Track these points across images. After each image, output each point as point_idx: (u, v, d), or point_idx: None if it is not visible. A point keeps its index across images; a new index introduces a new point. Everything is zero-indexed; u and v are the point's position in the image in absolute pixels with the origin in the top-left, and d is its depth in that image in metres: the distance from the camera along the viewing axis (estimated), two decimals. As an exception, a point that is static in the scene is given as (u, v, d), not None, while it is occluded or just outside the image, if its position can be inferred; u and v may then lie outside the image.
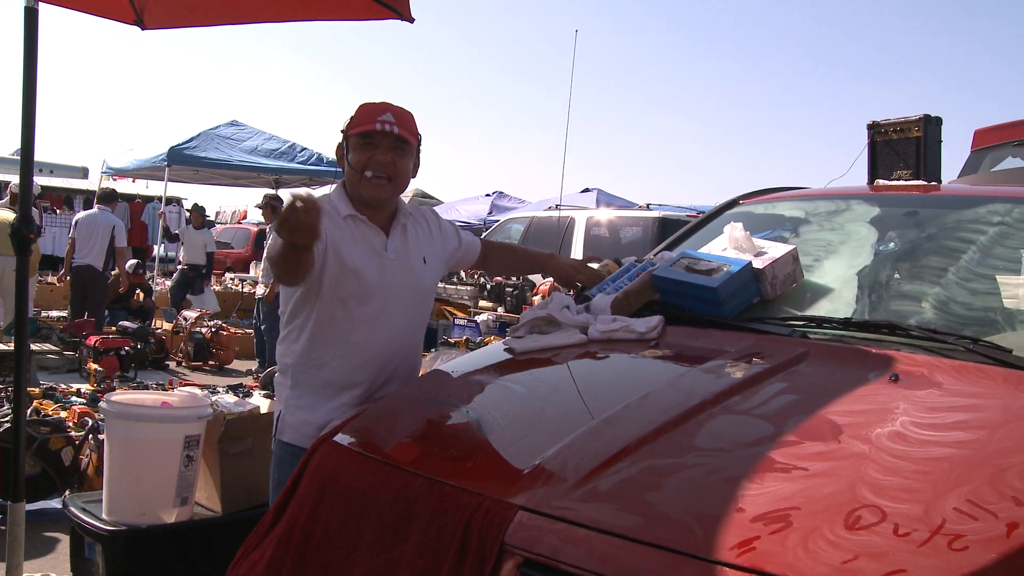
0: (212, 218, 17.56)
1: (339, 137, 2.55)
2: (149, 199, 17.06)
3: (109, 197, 10.44)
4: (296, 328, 2.51)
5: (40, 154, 11.81)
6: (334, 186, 2.60)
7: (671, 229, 10.26)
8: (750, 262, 2.61)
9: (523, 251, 3.15)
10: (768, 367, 2.10)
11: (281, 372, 2.57)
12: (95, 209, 10.09)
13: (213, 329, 9.95)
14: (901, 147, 3.71)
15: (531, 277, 11.00)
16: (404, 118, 2.48)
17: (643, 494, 1.60)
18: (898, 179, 3.58)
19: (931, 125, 3.66)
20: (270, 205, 10.34)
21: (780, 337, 2.35)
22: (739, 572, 1.34)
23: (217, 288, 13.34)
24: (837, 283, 2.63)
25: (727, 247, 2.79)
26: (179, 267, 12.08)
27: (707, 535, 1.42)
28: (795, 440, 1.72)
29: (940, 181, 3.62)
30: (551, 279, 10.14)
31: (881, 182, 3.52)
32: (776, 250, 2.66)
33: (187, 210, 12.36)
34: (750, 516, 1.45)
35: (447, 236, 2.74)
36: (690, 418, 1.83)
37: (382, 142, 2.45)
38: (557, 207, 11.71)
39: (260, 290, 8.85)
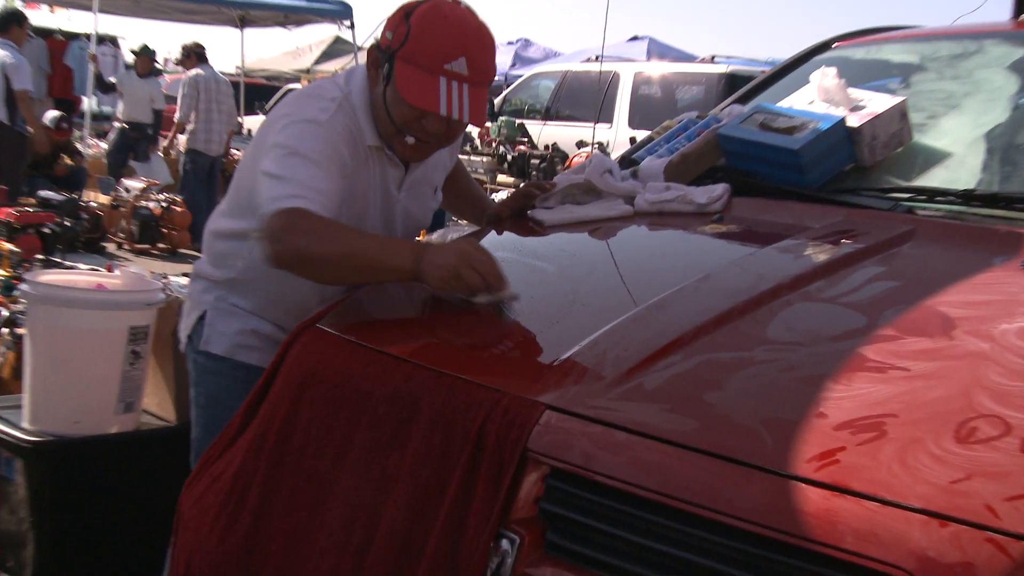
0: (161, 65, 17.42)
1: (374, 31, 2.44)
2: (74, 36, 16.84)
3: (6, 21, 9.41)
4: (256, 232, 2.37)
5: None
6: (353, 74, 2.41)
7: (742, 87, 10.04)
8: (843, 118, 2.60)
9: (474, 191, 2.96)
10: (862, 247, 2.11)
11: (214, 264, 2.52)
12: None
13: (163, 204, 9.98)
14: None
15: (567, 147, 10.95)
16: (481, 65, 2.23)
17: (699, 393, 1.62)
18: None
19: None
20: (194, 54, 10.32)
21: (878, 212, 2.35)
22: (818, 489, 1.35)
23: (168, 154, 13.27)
24: (958, 146, 2.61)
25: (815, 100, 2.76)
26: (118, 126, 12.03)
27: (778, 444, 1.44)
28: (894, 335, 1.73)
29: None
30: (587, 148, 10.12)
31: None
32: (878, 103, 2.63)
33: (132, 51, 12.19)
34: (833, 423, 1.46)
35: (453, 149, 2.66)
36: (760, 305, 1.85)
37: None
38: (597, 59, 11.55)
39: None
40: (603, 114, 11.35)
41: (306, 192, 2.11)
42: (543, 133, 12.40)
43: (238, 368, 2.46)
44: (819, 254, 2.14)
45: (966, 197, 2.35)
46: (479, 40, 2.24)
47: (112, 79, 13.02)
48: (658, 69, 12.24)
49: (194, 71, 10.39)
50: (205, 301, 2.53)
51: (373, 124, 2.34)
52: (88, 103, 14.28)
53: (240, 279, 2.47)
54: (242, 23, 16.03)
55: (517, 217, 2.70)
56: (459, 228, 3.70)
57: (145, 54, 12.10)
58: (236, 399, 2.18)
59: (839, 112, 2.64)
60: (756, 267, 2.08)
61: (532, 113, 13.69)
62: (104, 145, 12.41)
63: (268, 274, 2.32)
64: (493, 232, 2.63)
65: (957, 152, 2.59)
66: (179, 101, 10.43)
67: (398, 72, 2.22)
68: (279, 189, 2.12)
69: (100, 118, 15.82)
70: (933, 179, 2.53)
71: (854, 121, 2.60)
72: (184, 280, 4.68)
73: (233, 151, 11.46)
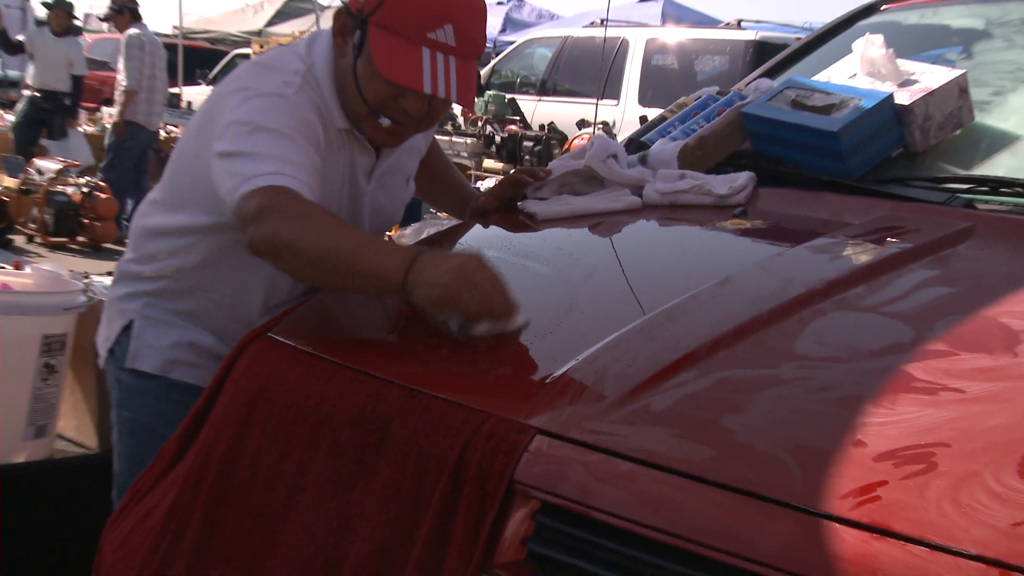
0: (81, 22, 17.35)
1: None
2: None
3: None
4: (199, 229, 2.39)
5: None
6: (315, 41, 2.41)
7: (773, 57, 10.01)
8: (891, 95, 2.61)
9: (453, 177, 2.97)
10: (910, 248, 2.13)
11: (143, 263, 2.49)
12: None
13: (84, 190, 9.95)
14: None
15: (566, 127, 10.96)
16: (470, 34, 2.24)
17: (717, 417, 1.64)
18: None
19: None
20: (128, 9, 10.28)
21: (931, 206, 2.37)
22: (855, 530, 1.36)
23: (89, 129, 13.23)
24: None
25: (857, 73, 2.78)
26: (27, 94, 11.96)
27: (808, 477, 1.45)
28: (946, 350, 1.75)
29: None
30: (589, 129, 10.12)
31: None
32: (933, 77, 2.65)
33: (44, 3, 12.12)
34: (874, 453, 1.48)
35: (428, 136, 2.71)
36: (789, 314, 1.87)
37: None
38: (602, 23, 11.59)
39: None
40: (608, 89, 11.38)
41: (287, 169, 2.09)
42: (538, 110, 12.42)
43: (172, 388, 2.44)
44: (859, 255, 2.16)
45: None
46: (468, 4, 2.23)
47: (20, 37, 12.91)
48: (674, 36, 12.27)
49: (133, 30, 10.38)
50: (131, 308, 2.49)
51: (339, 103, 2.33)
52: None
53: (176, 281, 2.44)
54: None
55: (505, 210, 2.71)
56: (437, 222, 3.72)
57: (61, 7, 11.99)
58: (169, 425, 2.17)
59: (886, 88, 2.66)
60: (785, 270, 2.10)
61: (525, 87, 13.72)
62: (10, 117, 12.33)
63: (213, 274, 2.33)
64: (478, 227, 2.64)
65: (1028, 135, 2.61)
66: (123, 65, 10.38)
67: (373, 41, 2.21)
68: (253, 167, 2.08)
69: (5, 84, 15.72)
70: (997, 167, 2.55)
71: (904, 98, 2.61)
72: (108, 280, 4.68)
73: (170, 128, 11.47)
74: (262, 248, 2.06)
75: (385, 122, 2.29)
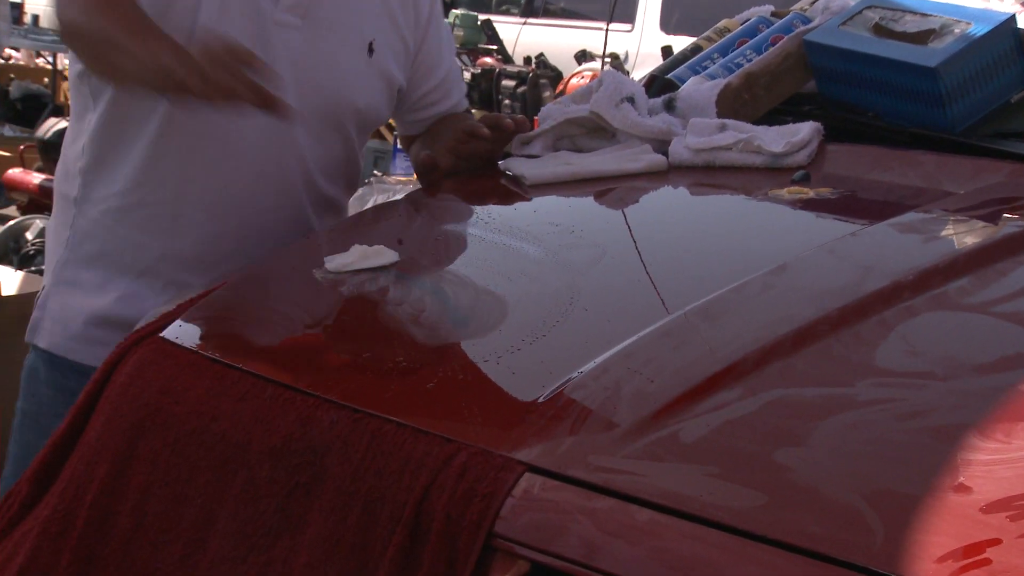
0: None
1: None
2: None
3: None
4: (92, 124, 2.61)
5: None
6: None
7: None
8: (1012, 16, 2.61)
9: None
10: (1032, 226, 2.14)
11: (59, 203, 2.69)
12: None
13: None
14: None
15: (560, 60, 10.95)
16: None
17: (768, 451, 1.65)
18: None
19: None
20: None
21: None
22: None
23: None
24: None
25: (965, -13, 2.78)
26: None
27: (891, 532, 1.46)
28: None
29: None
30: (594, 64, 10.10)
31: None
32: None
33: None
34: (982, 501, 1.49)
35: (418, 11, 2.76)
36: (866, 314, 1.88)
37: None
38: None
39: None
40: (619, 8, 11.34)
41: None
42: (522, 37, 12.38)
43: (69, 375, 2.54)
44: (964, 235, 2.16)
45: None
46: None
47: None
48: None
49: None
50: (48, 274, 2.67)
51: None
52: None
53: (87, 190, 2.62)
54: None
55: (475, 170, 2.71)
56: (385, 186, 3.74)
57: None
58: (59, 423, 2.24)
59: (1005, 6, 2.66)
60: (860, 255, 2.11)
61: (505, 5, 13.67)
62: None
63: (125, 158, 2.56)
64: (442, 194, 2.65)
65: None
66: None
67: None
68: None
69: None
70: None
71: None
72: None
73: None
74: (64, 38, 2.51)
75: None
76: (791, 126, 2.64)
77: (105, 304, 2.56)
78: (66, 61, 7.54)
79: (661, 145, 2.68)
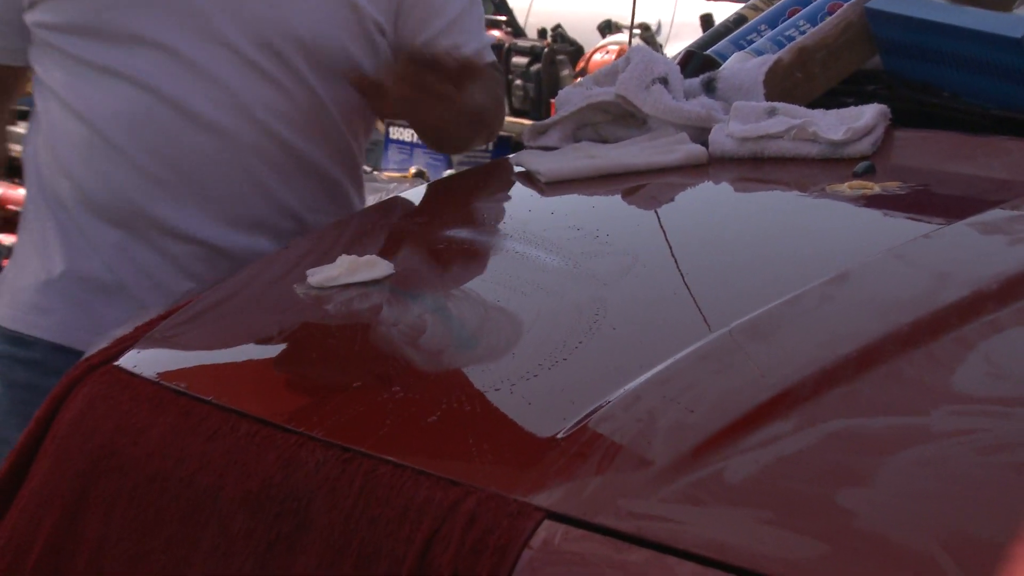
0: None
1: None
2: None
3: None
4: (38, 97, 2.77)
5: None
6: None
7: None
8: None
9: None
10: None
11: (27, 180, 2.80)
12: None
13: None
14: None
15: (581, 32, 10.96)
16: None
17: (829, 492, 1.65)
18: None
19: None
20: None
21: None
22: None
23: None
24: None
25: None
26: None
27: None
28: None
29: None
30: (620, 36, 10.11)
31: None
32: None
33: None
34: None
35: None
36: (943, 329, 1.89)
37: None
38: None
39: None
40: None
41: None
42: (535, 6, 12.38)
43: (19, 347, 2.64)
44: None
45: None
46: None
47: None
48: None
49: None
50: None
51: None
52: None
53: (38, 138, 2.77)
54: None
55: (489, 166, 2.73)
56: (374, 182, 3.77)
57: None
58: (9, 415, 2.38)
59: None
60: (935, 260, 2.13)
61: (515, -32, 13.69)
62: None
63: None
64: (440, 192, 2.66)
65: None
66: None
67: None
68: None
69: None
70: None
71: None
72: None
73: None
74: None
75: None
76: (852, 109, 2.65)
77: (47, 264, 2.64)
78: None
79: (700, 134, 2.69)
